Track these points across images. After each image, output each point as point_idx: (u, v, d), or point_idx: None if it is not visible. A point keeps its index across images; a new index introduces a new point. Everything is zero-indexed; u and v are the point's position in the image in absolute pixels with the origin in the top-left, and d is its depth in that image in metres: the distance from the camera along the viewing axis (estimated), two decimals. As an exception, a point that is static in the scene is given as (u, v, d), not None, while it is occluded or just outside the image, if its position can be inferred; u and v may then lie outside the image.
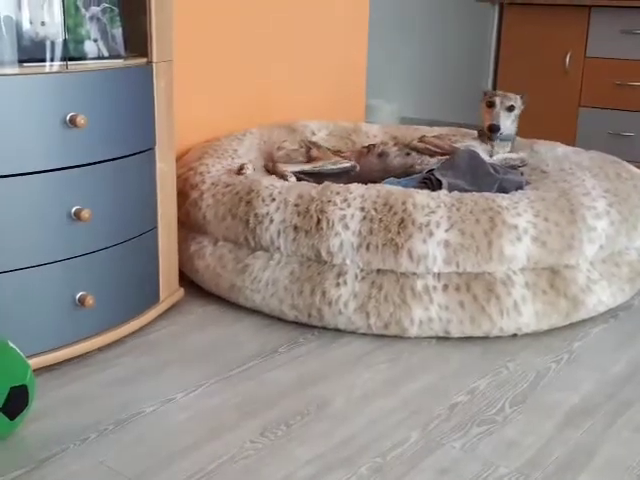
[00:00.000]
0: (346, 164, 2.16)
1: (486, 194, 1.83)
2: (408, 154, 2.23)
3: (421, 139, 2.32)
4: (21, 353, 1.39)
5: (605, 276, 1.88)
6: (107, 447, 1.35)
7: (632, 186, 1.98)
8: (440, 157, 2.19)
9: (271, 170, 2.13)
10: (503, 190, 1.98)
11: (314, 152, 2.20)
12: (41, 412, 1.46)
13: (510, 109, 2.24)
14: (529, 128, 3.70)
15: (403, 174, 2.18)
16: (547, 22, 3.57)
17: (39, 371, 1.59)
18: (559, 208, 1.81)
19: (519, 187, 2.02)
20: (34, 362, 1.55)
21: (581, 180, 1.95)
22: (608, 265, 1.91)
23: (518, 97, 2.28)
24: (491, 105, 2.25)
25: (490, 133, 2.22)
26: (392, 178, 2.12)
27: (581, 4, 3.43)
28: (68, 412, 1.46)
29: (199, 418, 1.45)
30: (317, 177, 2.08)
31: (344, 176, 2.14)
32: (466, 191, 1.89)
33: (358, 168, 2.17)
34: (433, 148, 2.26)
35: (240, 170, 2.01)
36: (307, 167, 2.12)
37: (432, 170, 2.01)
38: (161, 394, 1.53)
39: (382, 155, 2.23)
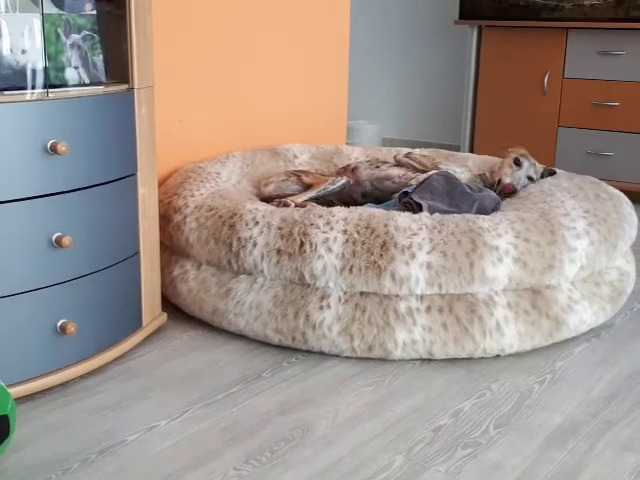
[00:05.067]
0: (342, 181, 2.23)
1: (467, 216, 1.84)
2: (377, 167, 2.29)
3: (407, 155, 2.37)
4: (1, 382, 1.37)
5: (586, 296, 1.90)
6: (90, 477, 1.33)
7: (611, 206, 2.00)
8: (420, 173, 2.22)
9: (282, 204, 2.11)
10: (483, 208, 2.00)
11: (306, 178, 2.24)
12: (23, 442, 1.44)
13: (529, 178, 2.22)
14: (508, 148, 3.72)
15: (371, 186, 2.26)
16: (525, 43, 3.62)
17: (20, 400, 1.58)
18: (539, 229, 1.82)
19: (497, 203, 2.04)
20: (15, 391, 1.53)
21: (560, 201, 1.97)
22: (589, 285, 1.92)
23: (540, 170, 2.27)
24: (518, 164, 2.22)
25: (504, 192, 2.17)
26: (371, 203, 2.14)
27: (559, 26, 3.48)
28: (50, 441, 1.45)
29: (183, 445, 1.44)
30: (320, 200, 2.16)
31: (338, 194, 2.23)
32: (446, 213, 1.90)
33: (352, 182, 2.26)
34: (417, 165, 2.30)
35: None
36: (313, 193, 2.18)
37: (409, 194, 2.03)
38: (144, 421, 1.52)
39: (354, 170, 2.31)
